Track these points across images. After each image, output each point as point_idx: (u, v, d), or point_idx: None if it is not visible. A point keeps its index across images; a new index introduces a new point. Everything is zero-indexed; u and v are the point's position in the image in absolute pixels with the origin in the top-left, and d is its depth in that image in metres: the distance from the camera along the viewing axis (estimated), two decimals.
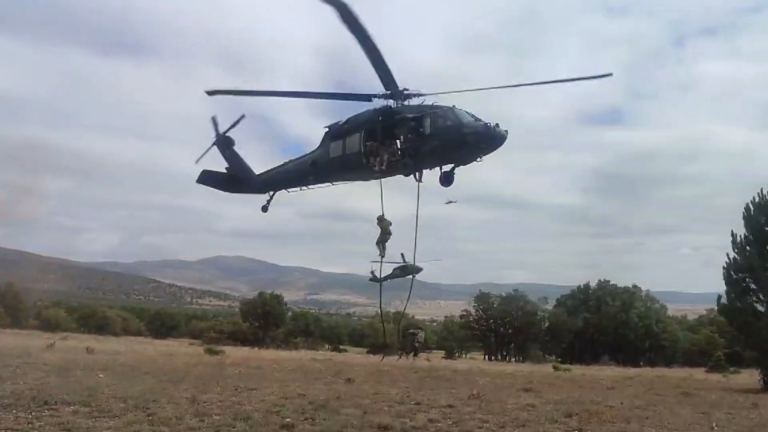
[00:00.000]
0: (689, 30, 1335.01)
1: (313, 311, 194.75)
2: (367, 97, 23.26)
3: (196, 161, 29.20)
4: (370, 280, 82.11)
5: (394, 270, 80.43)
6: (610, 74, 24.38)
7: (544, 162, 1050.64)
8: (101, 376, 19.35)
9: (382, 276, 26.80)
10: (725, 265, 25.56)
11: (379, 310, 27.63)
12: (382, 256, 23.42)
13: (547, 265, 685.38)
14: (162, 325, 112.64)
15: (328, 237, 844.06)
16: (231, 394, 16.57)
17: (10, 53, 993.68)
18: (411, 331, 35.95)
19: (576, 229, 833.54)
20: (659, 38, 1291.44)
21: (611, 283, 76.87)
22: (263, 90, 23.27)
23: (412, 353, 43.77)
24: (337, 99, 23.48)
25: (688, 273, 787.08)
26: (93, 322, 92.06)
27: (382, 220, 23.38)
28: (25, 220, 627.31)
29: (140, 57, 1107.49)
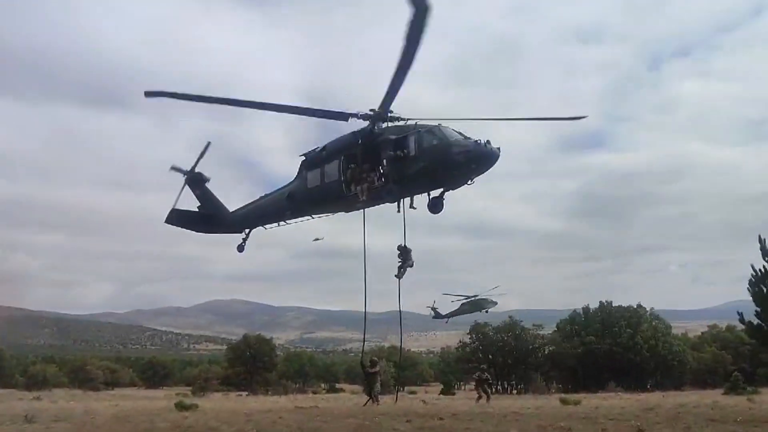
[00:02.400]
0: (663, 52, 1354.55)
1: (310, 350, 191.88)
2: (344, 116, 21.48)
3: (172, 206, 27.35)
4: (433, 317, 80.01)
5: (461, 305, 78.39)
6: (584, 116, 23.19)
7: (529, 188, 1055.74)
8: None
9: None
10: (752, 278, 23.00)
11: (362, 350, 25.74)
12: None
13: (539, 291, 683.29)
14: (155, 374, 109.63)
15: (321, 275, 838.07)
16: None
17: None
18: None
19: (564, 253, 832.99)
20: (634, 62, 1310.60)
21: (614, 304, 74.37)
22: (214, 96, 21.15)
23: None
24: (307, 115, 21.62)
25: (678, 290, 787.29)
26: (82, 376, 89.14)
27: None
28: (18, 276, 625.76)
29: (125, 107, 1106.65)
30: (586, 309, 74.94)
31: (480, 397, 34.79)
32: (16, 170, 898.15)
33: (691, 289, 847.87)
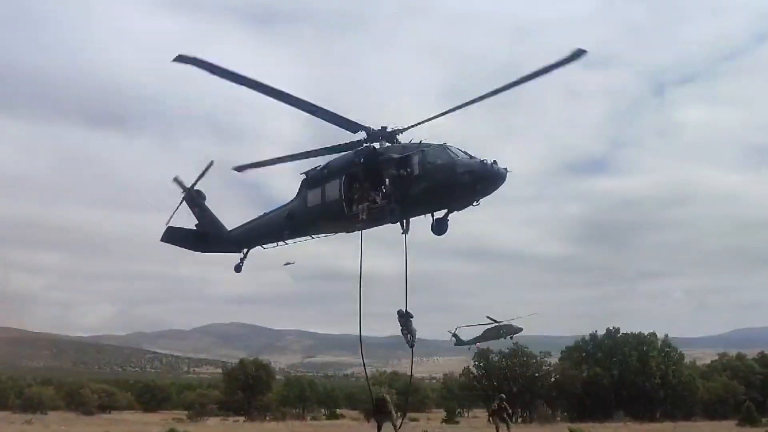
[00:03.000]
0: (668, 78, 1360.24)
1: (310, 374, 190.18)
2: (354, 127, 20.67)
3: (167, 223, 26.65)
4: (455, 344, 78.18)
5: (485, 332, 76.64)
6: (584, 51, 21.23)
7: (533, 213, 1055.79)
8: None
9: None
10: None
11: (366, 374, 24.26)
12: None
13: (543, 316, 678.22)
14: (152, 398, 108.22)
15: (322, 298, 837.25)
16: None
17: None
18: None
19: (568, 278, 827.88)
20: (639, 88, 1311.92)
21: (621, 331, 72.61)
22: (239, 74, 20.04)
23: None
24: (319, 115, 20.78)
25: (683, 317, 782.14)
26: (78, 399, 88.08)
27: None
28: (18, 297, 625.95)
29: (128, 128, 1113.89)
30: (593, 335, 73.39)
31: (498, 429, 33.50)
32: (18, 190, 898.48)
33: (696, 316, 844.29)
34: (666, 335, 73.25)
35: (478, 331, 73.40)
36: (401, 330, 20.23)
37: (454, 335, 72.91)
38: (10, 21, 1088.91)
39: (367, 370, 23.48)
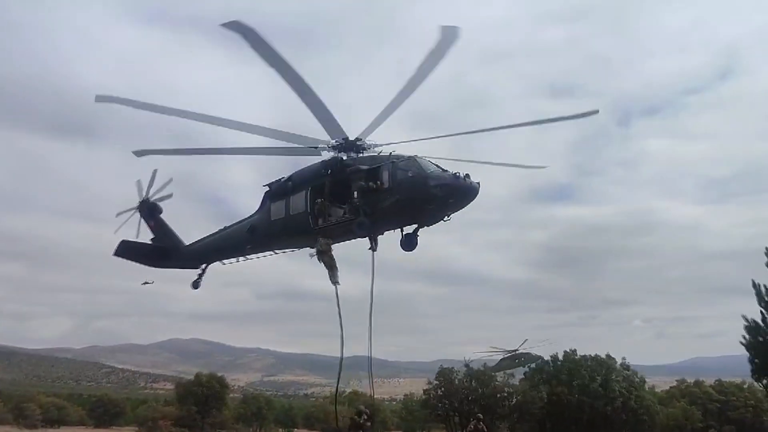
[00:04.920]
0: (633, 110, 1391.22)
1: (269, 392, 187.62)
2: (314, 151, 20.10)
3: (115, 232, 25.55)
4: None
5: (501, 361, 74.97)
6: (545, 167, 24.94)
7: (497, 238, 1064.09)
8: None
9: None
10: (747, 327, 21.74)
11: (335, 391, 23.50)
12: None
13: (505, 340, 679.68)
14: (105, 412, 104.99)
15: (284, 317, 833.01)
16: None
17: None
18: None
19: (530, 303, 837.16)
20: (604, 118, 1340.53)
21: (579, 354, 72.33)
22: (168, 108, 19.61)
23: None
24: (276, 154, 20.21)
25: (642, 345, 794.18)
26: (26, 412, 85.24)
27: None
28: None
29: (90, 138, 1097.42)
30: (554, 357, 73.07)
31: None
32: None
33: (655, 344, 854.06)
34: (624, 358, 73.12)
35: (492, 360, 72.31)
36: None
37: (466, 365, 71.67)
38: None
39: (337, 387, 22.87)
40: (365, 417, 26.36)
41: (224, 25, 15.89)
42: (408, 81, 17.03)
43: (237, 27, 16.09)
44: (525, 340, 74.66)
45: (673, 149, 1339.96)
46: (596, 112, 20.75)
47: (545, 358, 73.19)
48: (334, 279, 19.61)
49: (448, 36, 15.50)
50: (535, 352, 73.42)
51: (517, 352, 72.53)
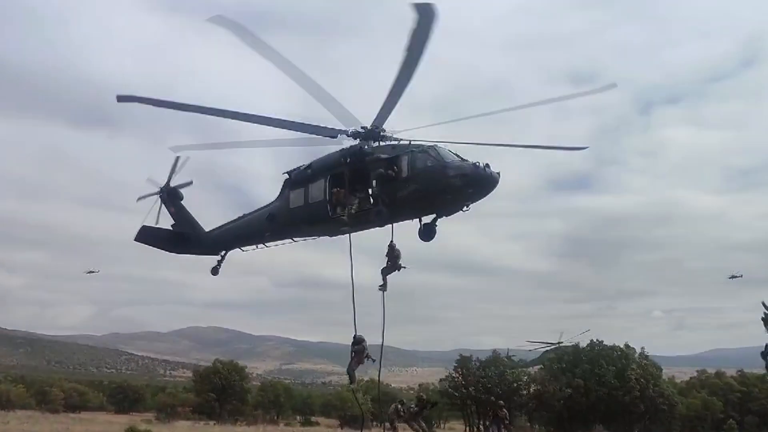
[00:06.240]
0: (654, 98, 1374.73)
1: (288, 381, 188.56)
2: (332, 133, 20.05)
3: (143, 225, 25.76)
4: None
5: (544, 354, 75.10)
6: (585, 147, 23.97)
7: (516, 228, 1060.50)
8: None
9: None
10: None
11: (349, 377, 23.33)
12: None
13: (522, 330, 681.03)
14: (125, 399, 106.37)
15: (302, 305, 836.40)
16: None
17: None
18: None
19: (548, 293, 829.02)
20: (625, 106, 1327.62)
21: (603, 342, 71.33)
22: (193, 105, 19.72)
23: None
24: (293, 129, 20.10)
25: (662, 335, 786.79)
26: (48, 397, 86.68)
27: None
28: None
29: (112, 127, 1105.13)
30: (575, 347, 72.59)
31: None
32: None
33: (675, 335, 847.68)
34: (642, 348, 72.28)
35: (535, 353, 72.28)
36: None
37: (508, 357, 71.65)
38: None
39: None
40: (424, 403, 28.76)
41: (209, 20, 15.99)
42: (401, 66, 16.70)
43: (221, 21, 16.13)
44: (561, 333, 74.28)
45: (695, 138, 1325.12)
46: (614, 85, 20.80)
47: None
48: (350, 367, 20.86)
49: (426, 14, 15.13)
50: (577, 343, 73.03)
51: (560, 344, 72.21)
